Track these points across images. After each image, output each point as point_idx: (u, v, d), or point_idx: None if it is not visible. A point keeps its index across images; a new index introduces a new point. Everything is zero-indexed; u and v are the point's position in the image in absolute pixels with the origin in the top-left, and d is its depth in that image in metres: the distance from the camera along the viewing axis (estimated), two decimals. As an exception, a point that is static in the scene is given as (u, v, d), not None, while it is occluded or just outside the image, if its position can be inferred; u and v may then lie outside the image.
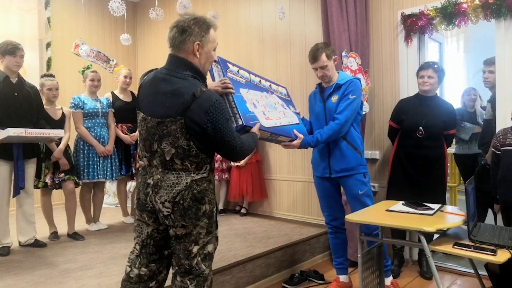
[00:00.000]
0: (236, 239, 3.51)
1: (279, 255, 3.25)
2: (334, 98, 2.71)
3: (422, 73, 3.09)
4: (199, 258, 1.77)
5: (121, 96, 4.14)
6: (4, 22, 4.96)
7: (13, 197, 3.29)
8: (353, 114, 2.68)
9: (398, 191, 3.11)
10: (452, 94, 5.10)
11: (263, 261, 3.10)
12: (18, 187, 3.24)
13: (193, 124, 1.67)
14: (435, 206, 2.35)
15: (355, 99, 2.65)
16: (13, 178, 3.27)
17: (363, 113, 3.23)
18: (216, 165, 4.54)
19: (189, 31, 1.73)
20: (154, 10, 4.17)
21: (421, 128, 3.04)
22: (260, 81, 2.67)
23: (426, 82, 3.06)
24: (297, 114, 2.81)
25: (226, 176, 4.62)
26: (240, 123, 2.22)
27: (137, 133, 4.08)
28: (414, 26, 3.38)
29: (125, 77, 4.15)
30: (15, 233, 3.39)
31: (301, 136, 2.60)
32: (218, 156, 4.53)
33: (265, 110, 2.45)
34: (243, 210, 4.60)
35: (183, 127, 1.67)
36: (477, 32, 6.09)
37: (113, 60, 4.98)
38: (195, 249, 1.76)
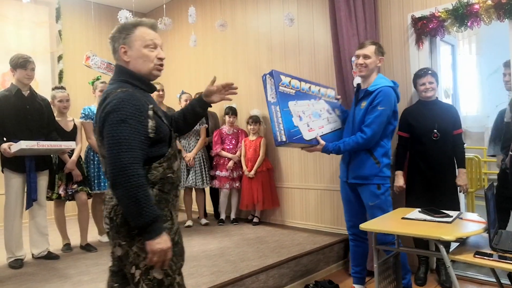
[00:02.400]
0: (248, 249, 3.46)
1: (293, 265, 3.19)
2: (363, 104, 2.68)
3: (421, 80, 3.12)
4: (144, 285, 1.52)
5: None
6: (16, 35, 5.04)
7: (26, 209, 3.31)
8: (381, 128, 2.60)
9: (417, 198, 3.06)
10: (466, 97, 5.01)
11: (277, 271, 3.04)
12: (31, 199, 3.25)
13: (101, 128, 1.50)
14: (453, 213, 2.28)
15: (384, 110, 2.58)
16: (25, 191, 3.29)
17: None
18: (227, 173, 4.52)
19: (115, 39, 1.63)
20: (162, 21, 4.18)
21: (435, 130, 3.03)
22: (310, 87, 2.75)
23: (428, 88, 3.09)
24: (344, 111, 2.87)
25: (237, 184, 4.59)
26: (284, 139, 2.38)
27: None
28: (425, 29, 3.33)
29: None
30: (28, 246, 3.39)
31: (322, 142, 2.64)
32: (229, 164, 4.51)
33: (310, 121, 2.57)
34: (255, 219, 4.55)
35: (100, 134, 1.52)
36: (489, 34, 5.99)
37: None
38: (137, 273, 1.53)
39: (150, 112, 1.53)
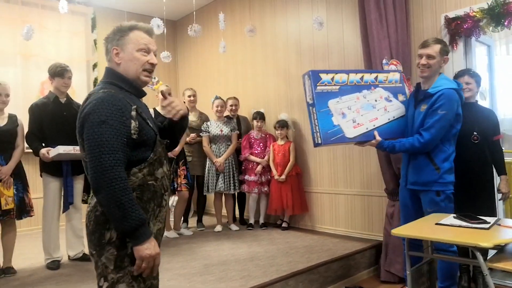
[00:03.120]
0: (278, 254, 3.45)
1: (323, 271, 3.15)
2: (423, 107, 2.56)
3: (461, 80, 2.96)
4: None
5: (162, 113, 4.23)
6: (54, 45, 5.26)
7: (63, 212, 3.44)
8: (441, 132, 2.48)
9: (463, 205, 2.87)
10: (503, 99, 4.81)
11: (306, 277, 3.01)
12: (68, 202, 3.38)
13: (81, 130, 1.44)
14: (491, 219, 2.19)
15: (445, 114, 2.45)
16: (62, 194, 3.41)
17: None
18: (255, 178, 4.52)
19: (109, 40, 1.58)
20: (192, 28, 4.26)
21: (475, 133, 2.91)
22: (362, 77, 2.63)
23: (465, 89, 2.93)
24: (406, 101, 2.75)
25: (266, 189, 4.58)
26: (319, 141, 2.36)
27: (177, 148, 4.17)
28: (459, 29, 3.23)
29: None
30: (65, 248, 3.52)
31: (378, 138, 2.57)
32: (257, 168, 4.52)
33: (358, 116, 2.49)
34: (284, 224, 4.53)
35: (80, 136, 1.46)
36: (529, 33, 5.74)
37: (154, 78, 5.12)
38: (104, 285, 1.43)
39: (133, 113, 1.46)
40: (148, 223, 1.48)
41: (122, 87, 1.54)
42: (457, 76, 3.05)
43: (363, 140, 2.58)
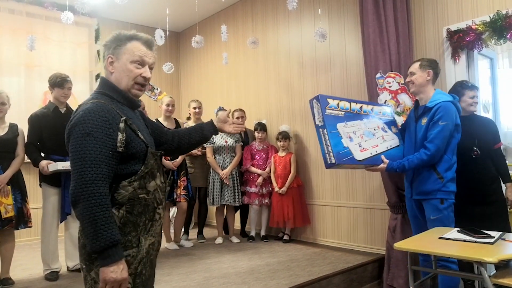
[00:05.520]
0: (279, 267, 3.40)
1: (324, 285, 3.10)
2: (424, 121, 2.68)
3: (472, 93, 2.96)
4: None
5: (165, 123, 4.24)
6: (58, 55, 5.30)
7: (60, 222, 3.41)
8: (444, 142, 2.59)
9: (464, 219, 2.82)
10: (507, 112, 4.79)
11: (307, 291, 2.97)
12: (65, 213, 3.36)
13: (67, 142, 1.41)
14: (495, 234, 2.15)
15: (445, 125, 2.57)
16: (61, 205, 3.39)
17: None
18: (256, 189, 4.50)
19: (106, 47, 1.55)
20: (195, 39, 4.29)
21: (475, 148, 2.89)
22: (361, 107, 2.82)
23: (472, 103, 2.97)
24: (398, 133, 2.87)
25: (267, 201, 4.55)
26: (334, 161, 2.47)
27: (179, 159, 4.16)
28: (462, 42, 3.23)
29: (167, 105, 4.26)
30: (63, 258, 3.48)
31: (386, 161, 2.65)
32: (258, 180, 4.49)
33: (362, 141, 2.62)
34: (285, 237, 4.48)
35: (67, 146, 1.42)
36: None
37: (157, 89, 5.15)
38: None
39: (121, 125, 1.41)
40: (139, 237, 1.44)
41: (114, 98, 1.50)
42: (468, 87, 2.97)
43: (370, 163, 2.67)
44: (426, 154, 2.57)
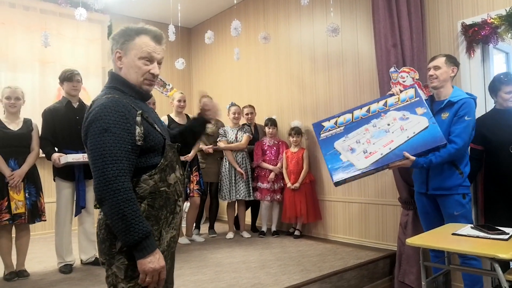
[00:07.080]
0: (290, 262, 3.40)
1: (335, 280, 3.09)
2: (445, 115, 2.66)
3: (508, 88, 2.84)
4: None
5: (176, 119, 4.26)
6: (72, 52, 5.35)
7: (75, 216, 3.46)
8: (470, 138, 2.62)
9: (499, 216, 2.79)
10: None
11: (318, 286, 2.96)
12: (80, 206, 3.40)
13: (85, 139, 1.41)
14: (510, 230, 2.12)
15: (470, 121, 2.59)
16: (75, 198, 3.44)
17: None
18: (268, 185, 4.50)
19: (114, 41, 1.52)
20: (206, 35, 4.30)
21: None
22: (368, 109, 2.80)
23: (509, 99, 2.86)
24: (427, 112, 2.66)
25: (278, 197, 4.55)
26: (333, 180, 2.61)
27: (191, 154, 4.18)
28: (477, 36, 3.17)
29: (179, 101, 4.27)
30: (77, 252, 3.54)
31: (412, 158, 2.54)
32: (270, 176, 4.49)
33: (368, 146, 2.64)
34: (296, 232, 4.48)
35: (86, 145, 1.42)
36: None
37: (169, 85, 5.16)
38: None
39: (138, 118, 1.41)
40: (160, 231, 1.45)
41: (126, 92, 1.49)
42: (504, 82, 2.87)
43: (384, 164, 2.58)
44: (454, 148, 2.56)
